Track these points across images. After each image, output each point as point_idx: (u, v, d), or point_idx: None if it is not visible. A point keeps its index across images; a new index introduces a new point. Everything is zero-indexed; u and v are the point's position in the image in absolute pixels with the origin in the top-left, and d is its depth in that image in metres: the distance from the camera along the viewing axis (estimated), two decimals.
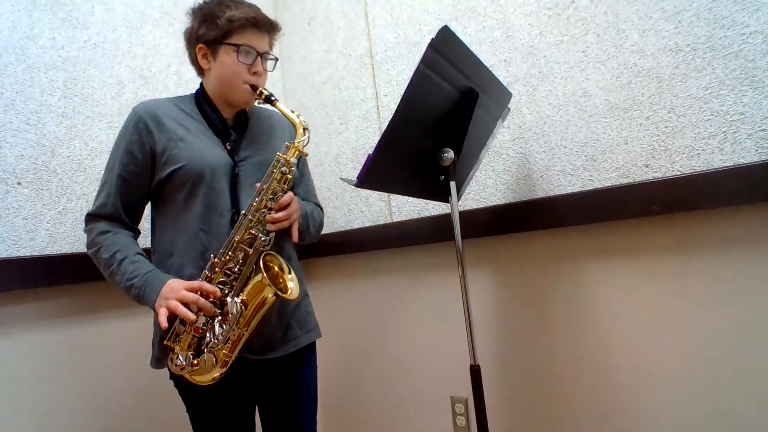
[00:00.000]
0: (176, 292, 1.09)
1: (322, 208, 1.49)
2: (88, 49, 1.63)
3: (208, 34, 1.21)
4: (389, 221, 1.83)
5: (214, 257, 1.15)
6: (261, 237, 1.15)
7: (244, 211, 1.16)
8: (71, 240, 1.52)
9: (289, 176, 1.18)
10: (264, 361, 1.24)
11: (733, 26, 1.13)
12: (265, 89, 1.23)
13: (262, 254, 1.16)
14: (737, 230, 1.14)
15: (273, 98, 1.22)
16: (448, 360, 1.67)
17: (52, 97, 1.53)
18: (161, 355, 1.20)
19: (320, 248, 2.06)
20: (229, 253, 1.15)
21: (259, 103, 1.26)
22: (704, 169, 1.17)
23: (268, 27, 1.25)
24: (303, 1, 2.16)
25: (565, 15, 1.38)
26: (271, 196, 1.16)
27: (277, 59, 1.31)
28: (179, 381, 1.20)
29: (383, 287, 1.88)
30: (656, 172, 1.24)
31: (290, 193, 1.21)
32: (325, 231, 2.05)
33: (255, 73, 1.23)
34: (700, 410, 1.20)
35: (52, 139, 1.52)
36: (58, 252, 1.49)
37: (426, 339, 1.75)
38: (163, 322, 1.07)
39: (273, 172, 1.17)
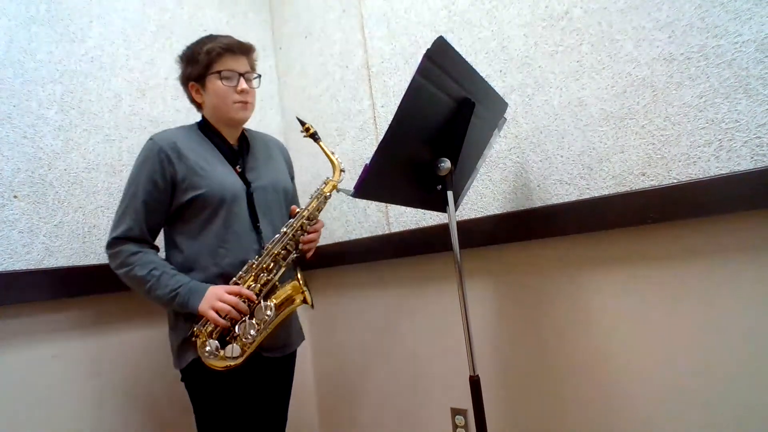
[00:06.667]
0: (219, 295, 1.26)
1: None
2: (85, 62, 1.64)
3: (194, 71, 1.38)
4: (387, 232, 1.83)
5: (252, 263, 1.32)
6: (293, 253, 1.36)
7: (285, 229, 1.34)
8: (68, 253, 1.51)
9: (323, 206, 1.40)
10: (271, 359, 1.38)
11: (726, 35, 1.14)
12: (311, 126, 1.42)
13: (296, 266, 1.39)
14: (734, 238, 1.15)
15: (317, 136, 1.43)
16: (448, 371, 1.66)
17: (49, 110, 1.53)
18: (181, 353, 1.32)
19: (318, 259, 2.05)
20: (266, 260, 1.32)
21: (304, 136, 1.43)
22: (701, 176, 1.17)
23: (242, 49, 1.39)
24: (300, 16, 2.17)
25: (560, 26, 1.40)
26: (307, 221, 1.37)
27: (260, 76, 1.45)
28: (192, 378, 1.32)
29: (381, 298, 1.87)
30: (653, 180, 1.24)
31: (321, 220, 1.45)
32: (322, 242, 2.05)
33: (242, 92, 1.37)
34: (700, 419, 1.19)
35: (48, 152, 1.51)
36: (55, 266, 1.48)
37: (425, 350, 1.73)
38: (221, 321, 1.24)
39: (313, 200, 1.38)
